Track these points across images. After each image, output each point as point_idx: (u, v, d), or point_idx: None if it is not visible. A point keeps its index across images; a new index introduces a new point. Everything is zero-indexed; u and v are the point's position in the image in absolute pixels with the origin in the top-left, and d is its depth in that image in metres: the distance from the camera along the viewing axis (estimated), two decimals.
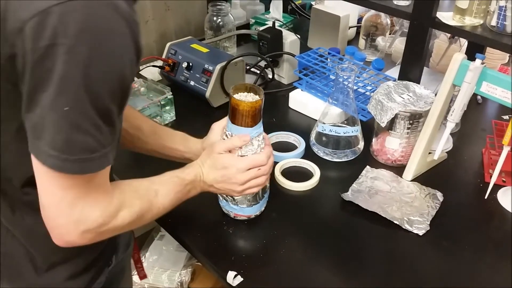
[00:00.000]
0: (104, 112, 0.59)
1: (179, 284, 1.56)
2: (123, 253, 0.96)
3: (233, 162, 0.85)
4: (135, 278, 1.54)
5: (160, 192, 0.77)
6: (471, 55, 0.95)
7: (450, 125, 1.00)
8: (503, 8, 0.99)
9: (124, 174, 0.87)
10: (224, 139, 0.88)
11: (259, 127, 0.86)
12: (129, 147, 0.96)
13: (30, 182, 0.65)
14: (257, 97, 0.85)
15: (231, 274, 0.84)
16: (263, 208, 0.95)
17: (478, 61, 0.92)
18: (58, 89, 0.55)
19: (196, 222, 0.96)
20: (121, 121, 0.68)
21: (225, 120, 0.89)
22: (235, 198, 0.91)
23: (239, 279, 0.84)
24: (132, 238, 0.99)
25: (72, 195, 0.62)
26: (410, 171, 1.07)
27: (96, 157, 0.60)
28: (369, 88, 1.30)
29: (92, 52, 0.55)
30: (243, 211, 0.93)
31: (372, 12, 1.60)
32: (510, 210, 1.00)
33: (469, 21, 1.05)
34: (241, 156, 0.86)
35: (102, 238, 0.69)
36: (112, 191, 0.69)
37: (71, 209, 0.63)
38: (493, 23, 1.02)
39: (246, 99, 0.84)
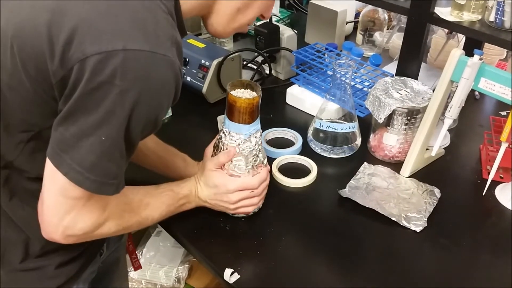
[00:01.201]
0: (132, 144, 0.66)
1: (176, 280, 1.56)
2: (116, 242, 0.98)
3: (223, 182, 0.87)
4: (133, 274, 1.54)
5: (151, 205, 0.80)
6: (469, 50, 0.95)
7: (448, 121, 1.00)
8: (501, 4, 0.98)
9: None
10: (221, 136, 0.87)
11: (257, 123, 0.86)
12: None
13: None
14: (254, 94, 0.84)
15: (228, 272, 0.84)
16: (260, 205, 0.95)
17: (476, 57, 0.92)
18: (101, 120, 0.60)
19: (193, 219, 0.96)
20: None
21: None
22: None
23: (236, 276, 0.84)
24: None
25: (71, 203, 0.66)
26: (408, 168, 1.07)
27: (115, 183, 0.66)
28: (366, 84, 1.30)
29: (141, 98, 0.61)
30: None
31: (370, 7, 1.59)
32: (508, 207, 1.00)
33: (467, 17, 1.05)
34: (240, 152, 0.85)
35: (84, 241, 0.72)
36: (107, 206, 0.71)
37: (65, 214, 0.67)
38: (491, 18, 1.02)
39: (243, 95, 0.83)
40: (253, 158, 0.87)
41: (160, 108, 0.66)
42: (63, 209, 0.66)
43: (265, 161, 0.92)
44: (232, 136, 0.86)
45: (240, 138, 0.85)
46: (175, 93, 0.66)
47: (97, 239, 0.74)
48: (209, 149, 0.93)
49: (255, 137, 0.86)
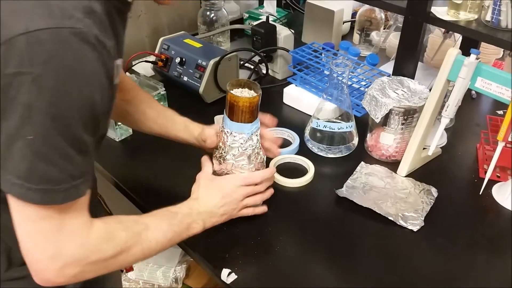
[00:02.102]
0: (75, 141, 0.58)
1: (173, 280, 1.56)
2: None
3: (227, 179, 0.86)
4: (130, 275, 1.54)
5: (151, 225, 0.74)
6: (465, 50, 0.95)
7: (445, 121, 1.00)
8: (498, 3, 0.98)
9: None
10: (223, 137, 0.87)
11: (257, 122, 0.86)
12: (135, 128, 1.04)
13: None
14: (252, 92, 0.84)
15: (225, 272, 0.84)
16: (265, 209, 0.94)
17: (472, 57, 0.92)
18: (22, 118, 0.54)
19: None
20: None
21: None
22: None
23: (233, 276, 0.84)
24: None
25: (45, 228, 0.60)
26: (405, 167, 1.07)
27: (61, 188, 0.58)
28: (363, 83, 1.30)
29: (59, 81, 0.54)
30: None
31: (366, 6, 1.59)
32: (505, 206, 1.00)
33: (464, 16, 1.05)
34: (243, 152, 0.86)
35: (88, 276, 0.66)
36: (92, 223, 0.66)
37: (45, 243, 0.61)
38: (488, 18, 1.02)
39: (243, 94, 0.83)
40: (255, 156, 0.88)
41: (89, 88, 0.57)
42: (39, 237, 0.60)
43: (265, 158, 0.92)
44: (234, 136, 0.85)
45: (242, 138, 0.85)
46: (102, 65, 0.58)
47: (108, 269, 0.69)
48: (206, 158, 0.92)
49: (256, 135, 0.87)
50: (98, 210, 0.97)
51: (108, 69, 0.59)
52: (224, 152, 0.87)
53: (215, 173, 0.90)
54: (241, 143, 0.85)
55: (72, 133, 0.57)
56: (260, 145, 0.89)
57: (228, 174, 0.89)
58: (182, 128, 0.98)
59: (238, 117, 0.83)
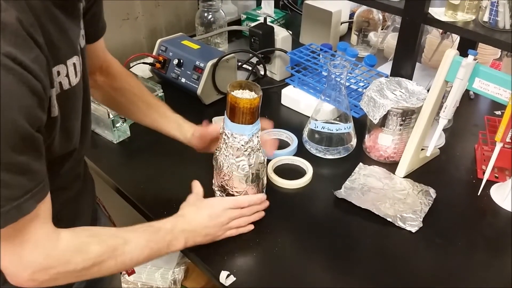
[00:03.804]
0: (10, 166, 0.55)
1: (172, 282, 1.56)
2: None
3: (217, 201, 0.87)
4: (127, 277, 1.53)
5: (129, 240, 0.73)
6: (463, 50, 0.95)
7: (443, 122, 1.00)
8: (495, 4, 0.98)
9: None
10: (224, 138, 0.87)
11: (258, 123, 0.86)
12: (125, 117, 1.07)
13: None
14: (253, 94, 0.84)
15: (223, 274, 0.84)
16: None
17: (470, 57, 0.92)
18: None
19: None
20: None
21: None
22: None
23: (232, 278, 0.83)
24: None
25: (7, 244, 0.60)
26: (403, 168, 1.07)
27: (2, 212, 0.56)
28: (361, 84, 1.30)
29: None
30: None
31: (364, 7, 1.59)
32: (503, 206, 1.00)
33: (461, 17, 1.05)
34: (243, 152, 0.86)
35: (62, 282, 0.66)
36: (59, 235, 0.65)
37: (10, 255, 0.61)
38: (485, 18, 1.02)
39: (243, 96, 0.83)
40: (255, 158, 0.88)
41: (10, 112, 0.53)
42: (4, 251, 0.60)
43: (265, 159, 0.92)
44: (235, 137, 0.85)
45: (243, 139, 0.85)
46: (23, 84, 0.53)
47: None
48: (196, 182, 0.93)
49: (257, 136, 0.87)
50: (98, 215, 0.97)
51: (33, 85, 0.55)
52: (225, 153, 0.87)
53: (217, 177, 0.91)
54: (242, 145, 0.85)
55: (3, 159, 0.54)
56: (260, 146, 0.89)
57: (226, 177, 0.89)
58: (176, 127, 0.99)
59: (238, 118, 0.83)
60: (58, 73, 0.63)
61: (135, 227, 0.75)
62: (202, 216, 0.84)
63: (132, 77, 1.01)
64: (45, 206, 0.63)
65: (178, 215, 0.84)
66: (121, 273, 1.15)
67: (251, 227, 0.92)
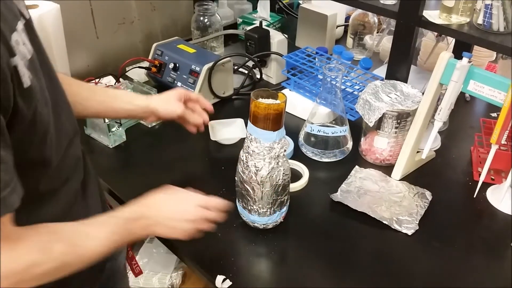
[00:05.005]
0: None
1: (170, 286, 1.55)
2: (119, 254, 0.93)
3: (189, 195, 0.82)
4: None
5: (90, 234, 0.68)
6: (458, 53, 0.95)
7: (438, 124, 1.00)
8: (489, 6, 0.99)
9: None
10: (246, 142, 0.86)
11: (283, 130, 0.85)
12: (83, 116, 0.95)
13: None
14: (278, 101, 0.84)
15: (219, 278, 0.83)
16: (278, 219, 0.94)
17: (465, 60, 0.92)
18: None
19: None
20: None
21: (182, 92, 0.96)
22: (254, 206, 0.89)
23: (228, 283, 0.83)
24: None
25: None
26: (399, 171, 1.07)
27: None
28: (357, 87, 1.30)
29: None
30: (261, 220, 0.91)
31: (359, 10, 1.60)
32: (499, 209, 1.00)
33: (456, 20, 1.05)
34: (264, 157, 0.84)
35: (32, 285, 0.62)
36: (19, 237, 0.61)
37: None
38: (480, 21, 1.02)
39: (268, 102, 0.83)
40: (276, 164, 0.86)
41: None
42: None
43: (289, 166, 0.90)
44: (258, 142, 0.84)
45: (266, 145, 0.84)
46: None
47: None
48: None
49: (278, 143, 0.85)
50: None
51: None
52: (248, 157, 0.86)
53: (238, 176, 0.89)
54: (264, 150, 0.84)
55: None
56: (283, 154, 0.86)
57: (247, 179, 0.87)
58: (128, 100, 0.95)
59: (263, 124, 0.82)
60: (17, 42, 0.58)
61: (96, 220, 0.71)
62: (169, 208, 0.80)
63: (65, 76, 0.94)
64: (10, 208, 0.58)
65: (144, 204, 0.78)
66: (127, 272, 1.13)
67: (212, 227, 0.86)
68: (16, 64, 0.56)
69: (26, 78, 0.58)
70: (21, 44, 0.59)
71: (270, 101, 0.84)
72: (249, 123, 0.84)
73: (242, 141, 0.93)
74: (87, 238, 0.68)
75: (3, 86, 0.53)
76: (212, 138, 1.16)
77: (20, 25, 0.61)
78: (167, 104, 0.98)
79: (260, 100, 0.83)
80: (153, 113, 0.98)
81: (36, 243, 0.62)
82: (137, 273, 1.04)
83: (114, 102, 0.94)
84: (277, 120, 0.82)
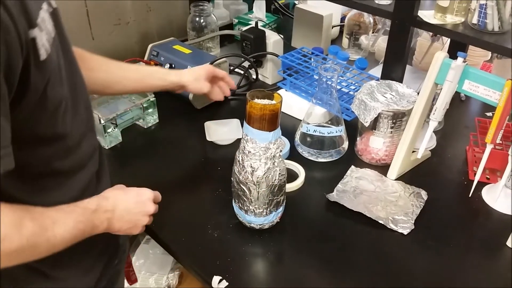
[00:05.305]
0: None
1: (166, 287, 1.55)
2: (123, 253, 0.94)
3: (144, 190, 0.83)
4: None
5: (58, 220, 0.67)
6: (453, 52, 0.95)
7: (433, 124, 1.00)
8: (484, 6, 0.99)
9: None
10: (242, 142, 0.86)
11: (279, 131, 0.85)
12: (113, 93, 1.13)
13: None
14: (273, 102, 0.84)
15: (216, 279, 0.84)
16: (274, 219, 0.94)
17: (459, 60, 0.92)
18: None
19: (180, 226, 0.95)
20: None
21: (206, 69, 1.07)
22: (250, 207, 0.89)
23: (224, 283, 0.83)
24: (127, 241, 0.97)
25: None
26: (394, 170, 1.07)
27: None
28: (352, 87, 1.30)
29: None
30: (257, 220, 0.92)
31: (355, 11, 1.60)
32: (494, 208, 1.01)
33: (451, 19, 1.05)
34: (260, 158, 0.84)
35: None
36: None
37: None
38: (474, 21, 1.03)
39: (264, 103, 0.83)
40: (272, 164, 0.86)
41: None
42: None
43: (285, 166, 0.90)
44: (254, 143, 0.84)
45: (262, 145, 0.84)
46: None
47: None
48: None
49: (274, 144, 0.85)
50: None
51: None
52: (244, 158, 0.86)
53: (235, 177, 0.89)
54: (260, 150, 0.84)
55: None
56: (279, 154, 0.87)
57: (243, 179, 0.87)
58: (161, 77, 1.06)
59: (259, 124, 0.82)
60: (43, 19, 0.60)
61: (61, 207, 0.69)
62: (128, 201, 0.80)
63: (95, 55, 0.98)
64: None
65: (102, 196, 0.77)
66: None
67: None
68: (34, 36, 0.57)
69: (43, 51, 0.59)
70: (46, 22, 0.61)
71: (266, 101, 0.84)
72: (245, 123, 0.84)
73: (238, 141, 0.93)
74: (56, 223, 0.66)
75: (12, 56, 0.54)
76: (208, 138, 1.16)
77: (45, 6, 0.63)
78: (196, 82, 1.09)
79: (256, 100, 0.83)
80: (182, 88, 1.10)
81: (9, 217, 0.60)
82: (133, 280, 1.03)
83: (148, 79, 1.05)
84: (272, 121, 0.82)
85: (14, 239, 0.59)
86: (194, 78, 1.09)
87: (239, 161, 0.87)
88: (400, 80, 1.19)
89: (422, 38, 1.53)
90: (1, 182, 0.62)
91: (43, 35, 0.59)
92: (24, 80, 0.57)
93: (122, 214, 0.78)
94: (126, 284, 1.05)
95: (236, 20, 1.72)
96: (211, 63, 1.28)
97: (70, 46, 0.72)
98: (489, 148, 0.95)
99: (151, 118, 1.26)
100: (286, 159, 1.13)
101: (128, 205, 0.80)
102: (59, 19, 0.69)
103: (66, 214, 0.69)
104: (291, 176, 1.08)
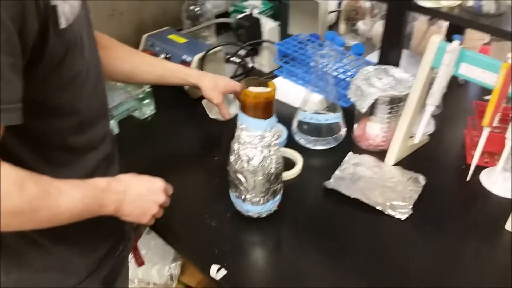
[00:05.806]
0: None
1: (169, 278, 1.56)
2: (128, 241, 0.93)
3: (158, 179, 0.82)
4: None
5: (64, 190, 0.65)
6: (451, 36, 0.95)
7: (430, 109, 0.99)
8: None
9: None
10: (237, 131, 0.86)
11: (274, 119, 0.85)
12: (135, 83, 1.17)
13: None
14: (268, 89, 0.83)
15: (214, 268, 0.84)
16: (272, 208, 0.94)
17: (455, 43, 0.91)
18: None
19: (177, 216, 0.95)
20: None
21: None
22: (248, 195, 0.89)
23: (223, 272, 0.83)
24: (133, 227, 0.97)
25: None
26: (392, 156, 1.07)
27: None
28: (349, 73, 1.29)
29: None
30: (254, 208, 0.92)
31: None
32: (492, 191, 1.01)
33: (446, 2, 1.04)
34: (255, 146, 0.84)
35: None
36: None
37: None
38: (470, 3, 1.01)
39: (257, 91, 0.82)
40: (268, 152, 0.85)
41: None
42: None
43: (281, 155, 0.90)
44: (249, 131, 0.84)
45: (257, 133, 0.84)
46: None
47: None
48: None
49: (270, 132, 0.85)
50: None
51: None
52: (239, 147, 0.86)
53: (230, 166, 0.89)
54: (255, 138, 0.84)
55: None
56: (274, 143, 0.86)
57: (239, 168, 0.86)
58: (182, 77, 1.08)
59: (254, 112, 0.82)
60: None
61: (69, 180, 0.67)
62: (140, 187, 0.78)
63: (121, 44, 1.02)
64: None
65: (114, 178, 0.76)
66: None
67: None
68: (55, 4, 0.60)
69: (63, 20, 0.62)
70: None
71: (260, 89, 0.83)
72: (239, 112, 0.84)
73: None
74: (62, 193, 0.65)
75: (27, 17, 0.56)
76: (211, 116, 1.13)
77: None
78: (212, 91, 1.08)
79: (250, 88, 0.82)
80: (198, 89, 1.10)
81: (13, 176, 0.59)
82: (140, 263, 1.04)
83: (169, 77, 1.07)
84: (267, 109, 0.82)
85: (16, 199, 0.58)
86: (212, 86, 1.08)
87: (234, 150, 0.86)
88: (397, 64, 1.18)
89: (419, 22, 1.51)
90: (7, 141, 0.63)
91: (66, 6, 0.62)
92: (42, 44, 0.59)
93: (134, 198, 0.76)
94: (132, 267, 1.06)
95: (232, 8, 1.71)
96: (206, 52, 1.27)
97: (93, 32, 0.77)
98: (486, 131, 0.95)
99: (148, 109, 1.25)
100: (283, 147, 1.13)
101: (140, 190, 0.78)
102: (87, 5, 0.75)
103: (73, 187, 0.67)
104: (289, 164, 1.08)
